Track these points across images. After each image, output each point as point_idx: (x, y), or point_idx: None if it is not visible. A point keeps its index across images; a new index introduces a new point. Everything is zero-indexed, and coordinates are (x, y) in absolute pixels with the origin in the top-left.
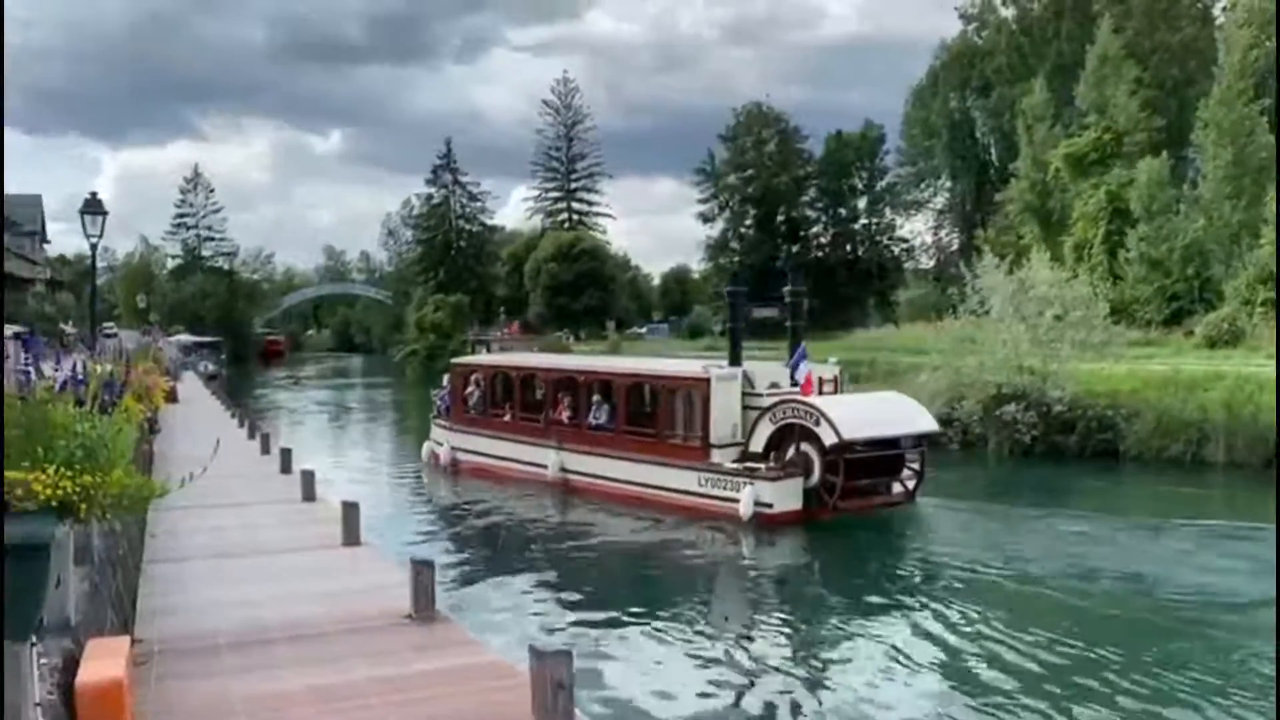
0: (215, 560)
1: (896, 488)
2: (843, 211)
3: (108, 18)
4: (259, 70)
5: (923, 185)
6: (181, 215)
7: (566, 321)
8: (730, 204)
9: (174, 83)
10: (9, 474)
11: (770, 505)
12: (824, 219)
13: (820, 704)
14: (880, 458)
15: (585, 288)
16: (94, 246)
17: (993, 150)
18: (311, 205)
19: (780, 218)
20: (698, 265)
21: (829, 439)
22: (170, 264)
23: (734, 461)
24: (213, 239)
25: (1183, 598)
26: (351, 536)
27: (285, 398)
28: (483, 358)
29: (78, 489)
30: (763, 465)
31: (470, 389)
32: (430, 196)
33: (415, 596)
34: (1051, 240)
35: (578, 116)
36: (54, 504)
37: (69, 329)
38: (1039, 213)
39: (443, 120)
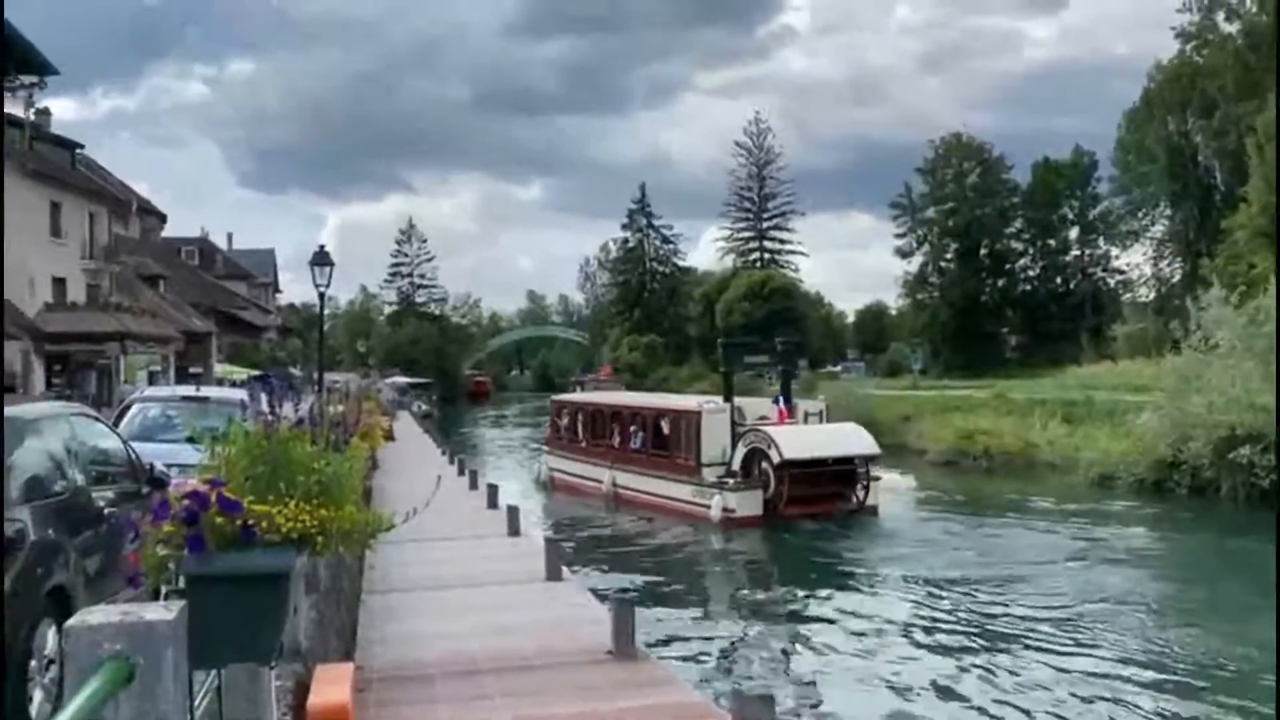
0: (427, 592)
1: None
2: (1052, 242)
3: (329, 81)
4: (464, 124)
5: (1140, 213)
6: (397, 264)
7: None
8: (929, 237)
9: (387, 140)
10: (257, 507)
11: (734, 510)
12: (1031, 251)
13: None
14: (825, 473)
15: (777, 326)
16: (322, 295)
17: (1218, 174)
18: (514, 251)
19: (984, 251)
20: (894, 301)
21: (776, 458)
22: (387, 310)
23: (718, 477)
24: (425, 286)
25: None
26: (554, 571)
27: (490, 434)
28: (572, 396)
29: (315, 522)
30: (732, 479)
31: (562, 420)
32: (625, 240)
33: (616, 632)
34: None
35: (769, 156)
36: (294, 536)
37: (297, 372)
38: (1274, 239)
39: (635, 165)
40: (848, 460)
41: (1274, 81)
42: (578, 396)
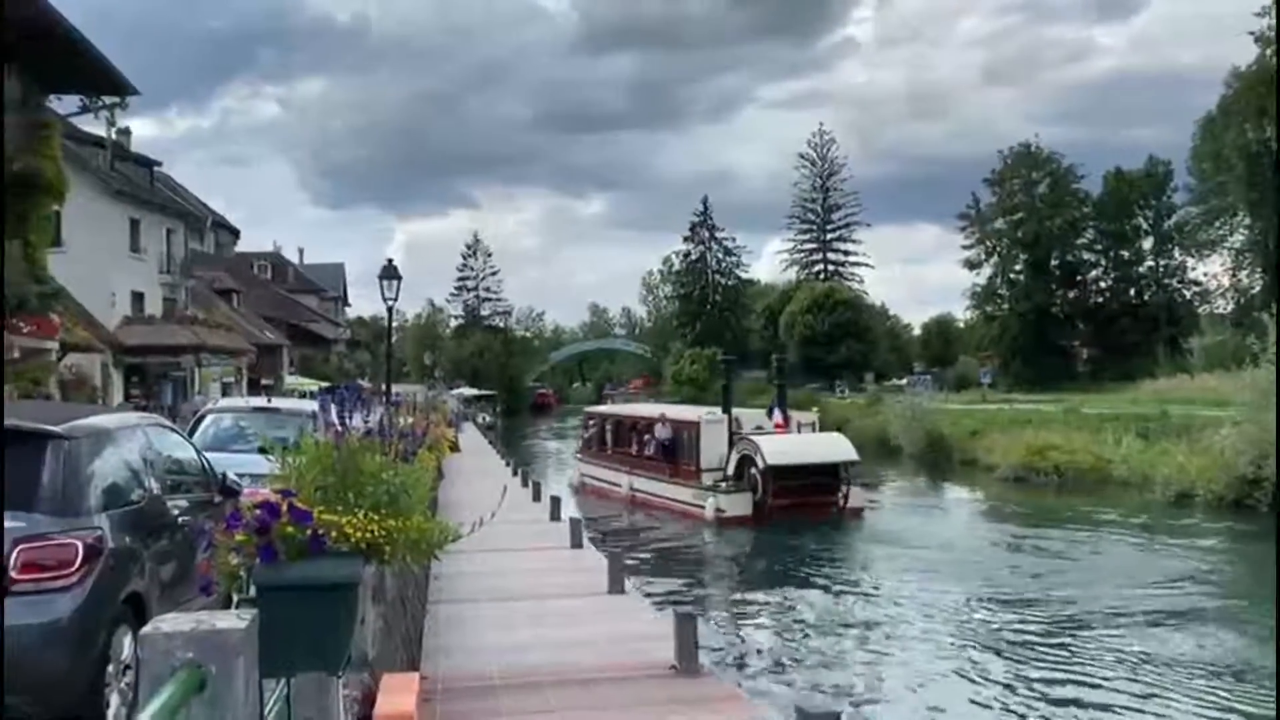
0: (491, 603)
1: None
2: (1125, 253)
3: (396, 101)
4: (526, 142)
5: (1217, 223)
6: (463, 278)
7: (822, 374)
8: (998, 249)
9: (452, 157)
10: (326, 517)
11: (725, 511)
12: (1104, 262)
13: None
14: (808, 478)
15: (841, 339)
16: (390, 309)
17: None
18: (577, 266)
19: (1054, 262)
20: (962, 314)
21: (761, 464)
22: (453, 323)
23: (714, 481)
24: (490, 300)
25: None
26: (616, 584)
27: (552, 446)
28: (600, 408)
29: (383, 532)
30: (724, 483)
31: (591, 431)
32: (688, 253)
33: (679, 648)
34: None
35: (833, 168)
36: (362, 546)
37: (366, 384)
38: None
39: (696, 179)
40: (830, 467)
41: None
42: (604, 409)
